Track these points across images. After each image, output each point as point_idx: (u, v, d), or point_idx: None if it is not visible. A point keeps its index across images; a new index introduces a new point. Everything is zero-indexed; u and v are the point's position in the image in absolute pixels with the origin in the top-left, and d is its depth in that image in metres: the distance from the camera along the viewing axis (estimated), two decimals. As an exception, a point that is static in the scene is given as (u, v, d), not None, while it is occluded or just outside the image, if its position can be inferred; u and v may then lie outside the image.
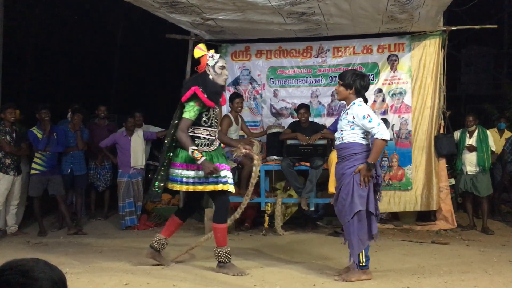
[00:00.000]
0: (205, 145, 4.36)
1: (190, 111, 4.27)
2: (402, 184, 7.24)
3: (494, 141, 7.60)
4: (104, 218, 7.92)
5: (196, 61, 7.83)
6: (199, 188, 4.31)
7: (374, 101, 7.47)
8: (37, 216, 6.94)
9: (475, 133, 7.16)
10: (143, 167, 7.76)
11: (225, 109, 7.56)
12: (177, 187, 4.41)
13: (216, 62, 4.39)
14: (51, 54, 14.44)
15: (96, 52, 15.02)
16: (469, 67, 18.67)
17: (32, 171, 6.87)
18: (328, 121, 7.42)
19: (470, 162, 7.10)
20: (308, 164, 6.65)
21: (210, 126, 4.42)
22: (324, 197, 6.72)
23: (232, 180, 4.39)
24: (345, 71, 4.45)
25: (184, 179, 4.32)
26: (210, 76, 4.38)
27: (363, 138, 4.21)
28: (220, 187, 4.29)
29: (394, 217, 7.45)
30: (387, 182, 7.21)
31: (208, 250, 5.35)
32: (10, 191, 6.67)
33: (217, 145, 4.47)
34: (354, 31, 7.14)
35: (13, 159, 6.65)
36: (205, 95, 4.27)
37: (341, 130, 4.26)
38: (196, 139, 4.33)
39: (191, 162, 4.28)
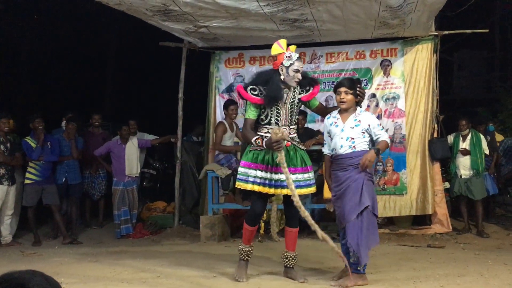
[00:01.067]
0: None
1: (247, 110, 4.24)
2: (397, 189, 7.26)
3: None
4: (99, 227, 7.90)
5: (190, 69, 7.92)
6: (240, 184, 4.31)
7: (368, 106, 7.50)
8: (32, 226, 6.91)
9: (469, 137, 7.20)
10: (138, 175, 7.75)
11: (220, 116, 7.58)
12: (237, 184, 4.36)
13: (291, 64, 4.16)
14: (45, 62, 14.41)
15: (90, 60, 15.00)
16: (461, 70, 18.79)
17: (26, 181, 6.85)
18: (322, 127, 7.42)
19: (464, 166, 7.14)
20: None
21: (269, 124, 4.22)
22: (320, 202, 6.73)
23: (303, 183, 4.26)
24: (349, 79, 4.45)
25: (238, 176, 4.31)
26: (282, 77, 4.18)
27: (369, 145, 4.28)
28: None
29: (389, 221, 7.47)
30: (382, 187, 7.24)
31: (205, 258, 5.34)
32: (4, 201, 6.64)
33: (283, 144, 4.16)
34: (347, 36, 7.18)
35: (7, 169, 6.63)
36: (250, 93, 4.15)
37: (352, 138, 4.19)
38: (259, 140, 4.19)
39: (247, 160, 4.24)
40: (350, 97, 4.21)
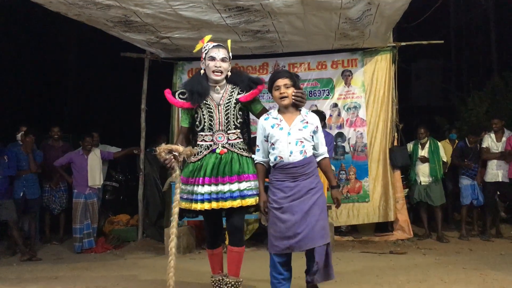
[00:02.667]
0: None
1: (181, 117, 3.84)
2: (360, 197, 7.39)
3: (447, 151, 7.88)
4: (60, 242, 7.67)
5: (153, 79, 7.85)
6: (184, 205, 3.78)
7: (330, 115, 7.64)
8: (-12, 243, 6.65)
9: (427, 145, 7.42)
10: (100, 186, 7.60)
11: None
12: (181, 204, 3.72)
13: (206, 53, 3.72)
14: (0, 73, 13.98)
15: (49, 71, 14.65)
16: (419, 79, 19.36)
17: (-19, 196, 6.59)
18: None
19: (423, 173, 7.34)
20: (267, 180, 6.67)
21: (203, 130, 3.75)
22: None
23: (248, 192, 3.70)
24: (287, 71, 3.85)
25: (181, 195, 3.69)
26: (202, 72, 3.79)
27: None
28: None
29: (353, 229, 7.58)
30: (345, 195, 7.35)
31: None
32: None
33: (200, 156, 3.75)
34: (308, 47, 7.30)
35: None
36: (178, 97, 3.75)
37: (302, 142, 3.57)
38: (198, 149, 3.74)
39: (184, 175, 3.75)
40: (291, 91, 3.60)
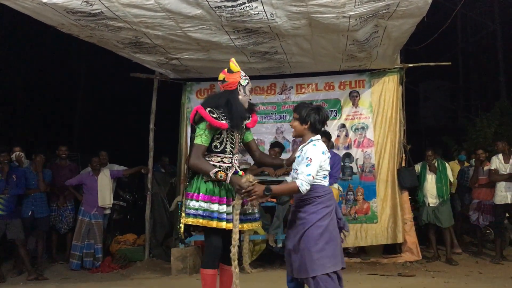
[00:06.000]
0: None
1: (201, 135, 3.70)
2: (368, 218, 7.34)
3: (454, 172, 7.88)
4: (66, 261, 7.65)
5: (162, 99, 7.92)
6: (195, 221, 3.67)
7: (338, 136, 7.65)
8: (-5, 261, 6.65)
9: (435, 165, 7.39)
10: (111, 205, 7.66)
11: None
12: (189, 220, 3.70)
13: (248, 83, 3.89)
14: (12, 93, 14.17)
15: (59, 91, 14.84)
16: (427, 101, 19.36)
17: (-10, 215, 6.62)
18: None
19: (431, 194, 7.29)
20: (274, 200, 6.66)
21: (223, 152, 3.80)
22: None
23: (226, 216, 3.70)
24: (301, 104, 3.85)
25: (187, 210, 3.70)
26: (240, 96, 3.83)
27: (323, 178, 3.68)
28: (214, 224, 3.66)
29: (361, 250, 7.51)
30: (353, 216, 7.31)
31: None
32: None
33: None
34: (316, 68, 7.35)
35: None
36: (214, 115, 3.70)
37: (296, 170, 3.66)
38: (222, 174, 3.70)
39: (195, 192, 3.73)
40: (296, 123, 3.72)
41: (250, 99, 3.94)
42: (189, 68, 7.09)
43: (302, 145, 3.72)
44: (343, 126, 7.70)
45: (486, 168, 7.41)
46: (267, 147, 7.40)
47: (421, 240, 7.60)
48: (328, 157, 3.70)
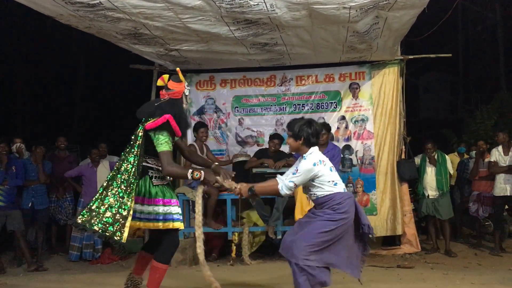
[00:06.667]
0: (158, 177, 3.91)
1: (168, 142, 3.78)
2: (367, 210, 7.34)
3: (454, 164, 7.88)
4: (66, 253, 7.67)
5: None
6: (150, 225, 3.85)
7: (338, 128, 7.65)
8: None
9: (434, 157, 7.38)
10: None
11: (190, 138, 7.56)
12: (131, 223, 3.77)
13: (189, 92, 4.13)
14: (10, 84, 14.14)
15: (58, 83, 14.80)
16: (427, 93, 19.35)
17: (-11, 206, 6.62)
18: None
19: (431, 186, 7.29)
20: (273, 192, 6.66)
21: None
22: (291, 224, 6.68)
23: (181, 217, 3.97)
24: (293, 120, 3.94)
25: (137, 214, 3.79)
26: (184, 105, 4.04)
27: (334, 185, 3.76)
28: (170, 225, 3.86)
29: (360, 242, 7.52)
30: (352, 208, 7.31)
31: (176, 284, 5.25)
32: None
33: (168, 180, 4.07)
34: (316, 60, 7.32)
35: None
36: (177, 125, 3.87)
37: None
38: (150, 170, 3.88)
39: (146, 196, 3.84)
40: (290, 140, 3.88)
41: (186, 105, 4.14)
42: (189, 59, 7.06)
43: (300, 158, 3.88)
44: (343, 118, 7.68)
45: (486, 160, 7.41)
46: (267, 139, 7.40)
47: (420, 232, 7.63)
48: (325, 164, 3.76)
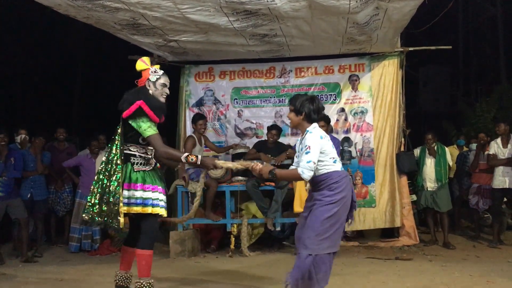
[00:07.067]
0: (140, 164, 3.97)
1: (151, 127, 3.87)
2: (366, 202, 7.36)
3: (453, 157, 7.88)
4: (65, 244, 7.68)
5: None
6: (125, 209, 3.85)
7: (337, 120, 7.63)
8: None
9: (434, 149, 7.38)
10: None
11: (190, 129, 7.55)
12: (125, 209, 3.88)
13: (158, 79, 4.07)
14: (10, 76, 14.08)
15: (57, 74, 14.75)
16: (426, 85, 19.31)
17: (-12, 197, 6.61)
18: (292, 141, 7.49)
19: (430, 178, 7.29)
20: (273, 184, 6.68)
21: (148, 144, 4.00)
22: (290, 216, 6.75)
23: (164, 204, 4.00)
24: (295, 95, 3.93)
25: (126, 201, 3.89)
26: (150, 91, 4.04)
27: (334, 163, 3.73)
28: (149, 210, 3.89)
29: (359, 234, 7.55)
30: (351, 200, 7.31)
31: (175, 275, 5.26)
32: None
33: (153, 165, 4.09)
34: (316, 52, 7.29)
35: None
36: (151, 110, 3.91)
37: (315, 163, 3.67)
38: (132, 157, 3.96)
39: (126, 181, 3.91)
40: (291, 114, 3.83)
41: (167, 93, 4.11)
42: (188, 50, 7.03)
43: (300, 138, 3.83)
44: (342, 110, 7.67)
45: (486, 153, 7.40)
46: (266, 131, 7.38)
47: (418, 224, 7.64)
48: (328, 140, 3.75)
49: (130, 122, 3.90)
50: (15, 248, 7.12)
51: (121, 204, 3.77)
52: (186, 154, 3.89)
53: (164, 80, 4.10)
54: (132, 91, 4.05)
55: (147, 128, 3.86)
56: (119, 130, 3.98)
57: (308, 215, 3.73)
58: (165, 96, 4.11)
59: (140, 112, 3.86)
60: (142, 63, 4.13)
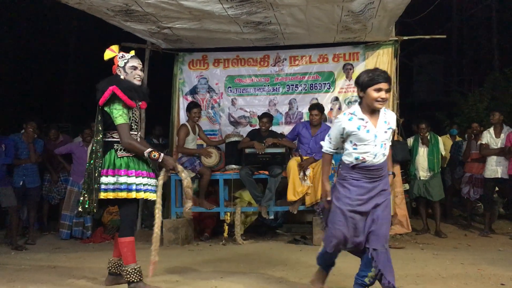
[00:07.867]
0: (123, 149, 3.95)
1: (122, 115, 3.87)
2: (359, 191, 7.37)
3: (446, 146, 7.91)
4: (57, 231, 7.67)
5: (153, 70, 7.81)
6: (111, 195, 3.88)
7: (331, 109, 7.63)
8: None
9: (427, 138, 7.40)
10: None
11: (184, 118, 7.52)
12: (102, 194, 3.92)
13: (126, 63, 4.06)
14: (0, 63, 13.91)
15: (49, 62, 14.59)
16: (420, 75, 19.32)
17: (-21, 185, 6.56)
18: (286, 129, 7.49)
19: (422, 168, 7.33)
20: (267, 172, 6.68)
21: (130, 129, 3.98)
22: (283, 205, 6.76)
23: (152, 187, 4.02)
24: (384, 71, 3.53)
25: (103, 186, 3.89)
26: (122, 77, 4.04)
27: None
28: (133, 195, 3.91)
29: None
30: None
31: (167, 263, 5.27)
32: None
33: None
34: (310, 40, 7.25)
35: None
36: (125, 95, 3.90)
37: (385, 144, 3.52)
38: (115, 144, 3.96)
39: (110, 168, 3.93)
40: (388, 95, 3.49)
41: (139, 75, 4.07)
42: (181, 37, 6.97)
43: (382, 116, 3.57)
44: (337, 99, 7.66)
45: (479, 142, 7.44)
46: (260, 120, 7.36)
47: (411, 213, 7.69)
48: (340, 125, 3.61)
49: (105, 109, 3.93)
50: (6, 236, 7.10)
51: (98, 190, 3.86)
52: (149, 149, 3.89)
53: (133, 62, 4.06)
54: (105, 80, 4.04)
55: (118, 116, 3.88)
56: (97, 118, 4.00)
57: (375, 207, 3.51)
58: (138, 79, 4.06)
59: (114, 98, 3.87)
60: (110, 52, 4.14)
